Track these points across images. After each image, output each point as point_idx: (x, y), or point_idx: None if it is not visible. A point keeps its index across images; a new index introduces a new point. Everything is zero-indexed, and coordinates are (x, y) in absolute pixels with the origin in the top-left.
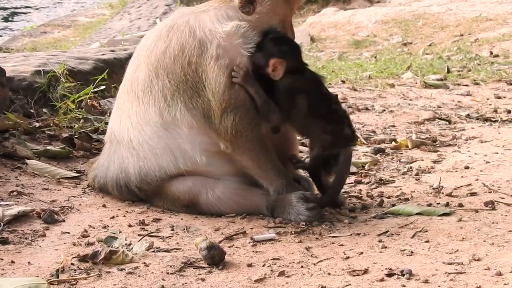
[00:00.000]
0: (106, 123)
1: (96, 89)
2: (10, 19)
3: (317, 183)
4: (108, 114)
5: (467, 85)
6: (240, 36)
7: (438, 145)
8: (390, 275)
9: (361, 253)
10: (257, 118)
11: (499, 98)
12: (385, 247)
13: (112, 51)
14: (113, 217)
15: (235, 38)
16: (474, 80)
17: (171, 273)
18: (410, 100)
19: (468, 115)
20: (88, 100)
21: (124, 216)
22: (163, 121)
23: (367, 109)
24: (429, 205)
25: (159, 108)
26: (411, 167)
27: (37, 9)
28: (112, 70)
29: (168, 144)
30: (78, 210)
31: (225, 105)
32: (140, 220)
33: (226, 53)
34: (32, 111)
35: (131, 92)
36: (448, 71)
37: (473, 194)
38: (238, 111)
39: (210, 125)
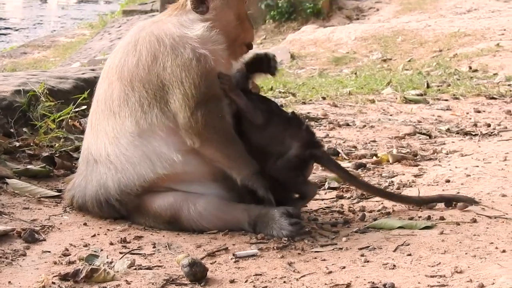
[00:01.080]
0: None
1: (77, 109)
2: None
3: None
4: None
5: (446, 100)
6: (210, 37)
7: (419, 160)
8: None
9: (344, 267)
10: (224, 110)
11: (479, 112)
12: (368, 261)
13: (93, 70)
14: (94, 235)
15: (207, 39)
16: (454, 95)
17: None
18: (391, 115)
19: (448, 129)
20: (69, 120)
21: (106, 234)
22: (139, 130)
23: (348, 124)
24: (411, 218)
25: (135, 117)
26: (392, 182)
27: (17, 30)
28: (92, 89)
29: (144, 152)
30: (59, 229)
31: (200, 98)
32: (121, 238)
33: (202, 53)
34: (12, 130)
35: (106, 110)
36: (428, 86)
37: (454, 207)
38: (209, 103)
39: (179, 123)
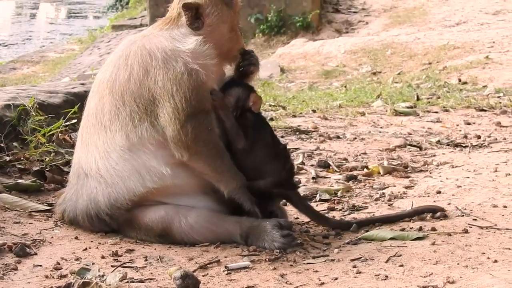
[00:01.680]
0: None
1: (67, 123)
2: None
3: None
4: None
5: (436, 112)
6: (203, 51)
7: (409, 171)
8: None
9: (336, 278)
10: (213, 123)
11: (469, 124)
12: (360, 272)
13: (83, 84)
14: (85, 249)
15: (199, 54)
16: (444, 107)
17: None
18: (381, 127)
19: (439, 141)
20: (60, 134)
21: (97, 247)
22: (129, 144)
23: (338, 137)
24: (402, 229)
25: (126, 131)
26: (383, 193)
27: (6, 45)
28: (82, 103)
29: (134, 166)
30: (50, 243)
31: (190, 112)
32: (113, 251)
33: (193, 68)
34: (2, 145)
35: (96, 124)
36: (418, 99)
37: (446, 218)
38: (199, 117)
39: (168, 136)
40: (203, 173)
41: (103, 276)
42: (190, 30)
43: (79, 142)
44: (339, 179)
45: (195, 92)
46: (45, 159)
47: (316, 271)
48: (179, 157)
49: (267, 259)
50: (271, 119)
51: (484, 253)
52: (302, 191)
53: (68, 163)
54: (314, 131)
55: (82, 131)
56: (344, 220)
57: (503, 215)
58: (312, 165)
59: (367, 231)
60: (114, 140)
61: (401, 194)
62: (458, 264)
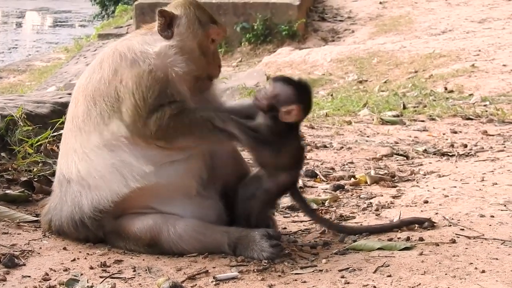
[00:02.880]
0: None
1: (54, 133)
2: None
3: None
4: None
5: (423, 121)
6: (170, 55)
7: (396, 181)
8: None
9: None
10: (182, 105)
11: (455, 132)
12: (348, 283)
13: (70, 94)
14: (74, 260)
15: (165, 57)
16: (430, 116)
17: None
18: (368, 136)
19: (425, 150)
20: (47, 144)
21: (85, 258)
22: (104, 141)
23: (325, 146)
24: (390, 239)
25: (99, 130)
26: (370, 203)
27: None
28: None
29: (114, 164)
30: (39, 253)
31: (152, 107)
32: (101, 262)
33: (160, 68)
34: None
35: (73, 128)
36: (404, 107)
37: (434, 228)
38: (160, 108)
39: (137, 133)
40: (197, 145)
41: (92, 287)
42: (163, 38)
43: (60, 151)
44: (326, 189)
45: (156, 89)
46: (33, 169)
47: (304, 282)
48: (162, 144)
49: (255, 270)
50: None
51: (471, 263)
52: (289, 200)
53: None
54: None
55: (63, 137)
56: (335, 223)
57: (490, 225)
58: None
59: (354, 241)
60: (90, 141)
61: (388, 204)
62: (446, 274)
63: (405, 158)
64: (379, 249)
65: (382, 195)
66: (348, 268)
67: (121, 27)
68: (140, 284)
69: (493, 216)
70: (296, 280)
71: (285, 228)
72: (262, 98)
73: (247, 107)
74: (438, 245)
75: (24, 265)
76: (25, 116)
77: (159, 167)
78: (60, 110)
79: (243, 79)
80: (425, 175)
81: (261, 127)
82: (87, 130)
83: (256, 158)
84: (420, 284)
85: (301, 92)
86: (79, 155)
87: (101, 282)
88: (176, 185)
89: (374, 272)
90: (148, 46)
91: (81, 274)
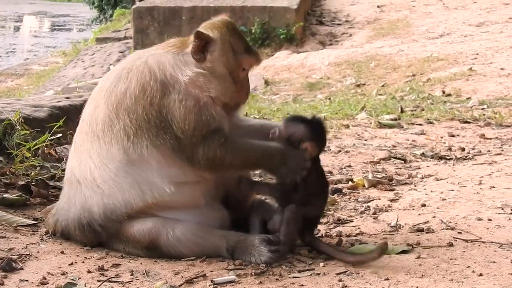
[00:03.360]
0: (63, 170)
1: (52, 137)
2: None
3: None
4: (65, 160)
5: (421, 124)
6: (199, 82)
7: (394, 184)
8: None
9: None
10: (224, 134)
11: (453, 136)
12: (346, 286)
13: (67, 98)
14: (71, 264)
15: (196, 84)
16: (428, 119)
17: None
18: (365, 140)
19: (423, 153)
20: (45, 148)
21: (83, 262)
22: (128, 158)
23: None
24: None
25: (123, 146)
26: (368, 206)
27: None
28: (67, 117)
29: (136, 179)
30: (37, 257)
31: (195, 139)
32: (99, 266)
33: (191, 95)
34: None
35: (90, 133)
36: (402, 111)
37: (431, 231)
38: (206, 140)
39: (182, 160)
40: (245, 172)
41: None
42: (193, 59)
43: (72, 148)
44: None
45: (191, 119)
46: (31, 173)
47: (302, 285)
48: (208, 176)
49: (252, 273)
50: None
51: (469, 266)
52: None
53: (53, 177)
54: None
55: (76, 138)
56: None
57: (488, 228)
58: None
59: (352, 244)
60: (110, 153)
61: (386, 207)
62: (443, 277)
63: (402, 161)
64: None
65: (379, 199)
66: (346, 271)
67: (119, 31)
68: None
69: (490, 220)
70: (293, 283)
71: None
72: (278, 139)
73: (268, 127)
74: (435, 249)
75: (22, 269)
76: (22, 120)
77: (180, 187)
78: (57, 114)
79: None
80: (422, 178)
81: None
82: (107, 141)
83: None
84: (417, 287)
85: (314, 129)
86: (96, 162)
87: (99, 286)
88: (187, 200)
89: (372, 275)
90: (178, 71)
91: (79, 278)
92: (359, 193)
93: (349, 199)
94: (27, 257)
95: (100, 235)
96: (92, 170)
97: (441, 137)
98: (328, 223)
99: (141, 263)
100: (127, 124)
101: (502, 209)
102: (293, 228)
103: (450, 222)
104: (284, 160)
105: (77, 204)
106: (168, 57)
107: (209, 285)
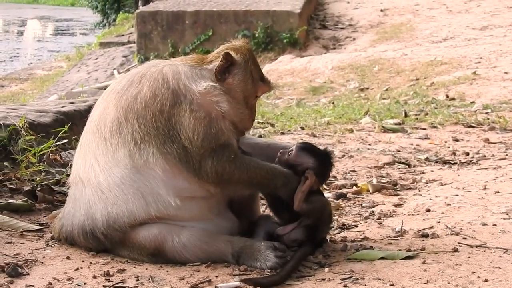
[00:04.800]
0: (68, 175)
1: (57, 142)
2: None
3: None
4: (70, 166)
5: (425, 129)
6: (214, 96)
7: (398, 189)
8: None
9: None
10: (234, 150)
11: (457, 140)
12: None
13: (72, 103)
14: (77, 269)
15: (209, 97)
16: (432, 124)
17: None
18: (369, 144)
19: (427, 158)
20: (50, 153)
21: (89, 267)
22: (134, 164)
23: None
24: (392, 248)
25: (129, 150)
26: (373, 211)
27: None
28: (72, 122)
29: (140, 188)
30: (42, 262)
31: (203, 151)
32: (104, 271)
33: (202, 107)
34: None
35: (97, 133)
36: (406, 115)
37: (436, 236)
38: (215, 154)
39: (189, 171)
40: (249, 192)
41: None
42: (211, 76)
43: (78, 147)
44: (328, 197)
45: (200, 131)
46: (36, 178)
47: None
48: (213, 191)
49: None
50: (260, 136)
51: (474, 272)
52: None
53: (58, 183)
54: None
55: (83, 137)
56: None
57: (492, 234)
58: None
59: (357, 250)
60: (116, 156)
61: (390, 212)
62: (448, 283)
63: (407, 166)
64: (381, 258)
65: (384, 204)
66: (351, 277)
67: (123, 35)
68: None
69: (495, 225)
70: None
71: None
72: (284, 162)
73: (275, 147)
74: (440, 254)
75: (28, 274)
76: (27, 126)
77: (184, 201)
78: (62, 119)
79: None
80: (427, 183)
81: None
82: (114, 144)
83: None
84: None
85: (321, 164)
86: (101, 165)
87: None
88: (194, 216)
89: (377, 281)
90: (193, 82)
91: (85, 283)
92: (363, 198)
93: (353, 204)
94: (33, 262)
95: (104, 243)
96: (97, 173)
97: (445, 142)
98: (333, 228)
99: (146, 269)
100: (135, 128)
101: (507, 214)
102: (297, 264)
103: (455, 227)
104: (286, 182)
105: (82, 210)
106: (185, 68)
107: None
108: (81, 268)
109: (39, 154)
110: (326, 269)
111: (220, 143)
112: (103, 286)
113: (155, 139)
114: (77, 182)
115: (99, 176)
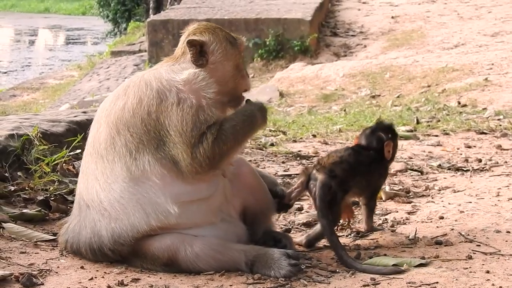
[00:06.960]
0: None
1: (70, 152)
2: None
3: None
4: None
5: (437, 136)
6: (199, 82)
7: (411, 196)
8: None
9: None
10: (215, 126)
11: (470, 147)
12: None
13: (84, 112)
14: (91, 279)
15: (194, 83)
16: (444, 130)
17: None
18: None
19: (440, 165)
20: (63, 163)
21: (103, 277)
22: (132, 176)
23: None
24: (406, 256)
25: (126, 163)
26: (386, 219)
27: (5, 72)
28: (85, 132)
29: (139, 200)
30: (57, 272)
31: (194, 140)
32: (119, 281)
33: (188, 96)
34: (6, 174)
35: (94, 153)
36: (418, 122)
37: (449, 244)
38: (204, 137)
39: (184, 171)
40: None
41: None
42: (192, 65)
43: (80, 171)
44: None
45: (189, 120)
46: (49, 188)
47: None
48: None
49: (271, 287)
50: (272, 144)
51: (488, 279)
52: (305, 217)
53: (71, 192)
54: (314, 156)
55: (82, 160)
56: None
57: (506, 241)
58: None
59: (370, 257)
60: (114, 171)
61: (404, 220)
62: None
63: (419, 173)
64: (394, 265)
65: (397, 211)
66: (365, 285)
67: (134, 44)
68: None
69: (509, 232)
70: None
71: (299, 245)
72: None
73: None
74: (454, 262)
75: (43, 284)
76: (40, 135)
77: (183, 207)
78: (75, 129)
79: (255, 95)
80: (440, 190)
81: None
82: (111, 160)
83: None
84: None
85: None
86: (101, 184)
87: None
88: (198, 221)
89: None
90: (174, 75)
91: None
92: (376, 205)
93: None
94: (48, 272)
95: (113, 258)
96: (99, 192)
97: (458, 148)
98: (347, 236)
99: (160, 278)
100: (128, 139)
101: None
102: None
103: (468, 234)
104: (261, 108)
105: (88, 228)
106: (165, 68)
107: None
108: (96, 277)
109: (52, 163)
110: (340, 277)
111: (208, 125)
112: None
113: (149, 145)
114: (81, 206)
115: (101, 194)
